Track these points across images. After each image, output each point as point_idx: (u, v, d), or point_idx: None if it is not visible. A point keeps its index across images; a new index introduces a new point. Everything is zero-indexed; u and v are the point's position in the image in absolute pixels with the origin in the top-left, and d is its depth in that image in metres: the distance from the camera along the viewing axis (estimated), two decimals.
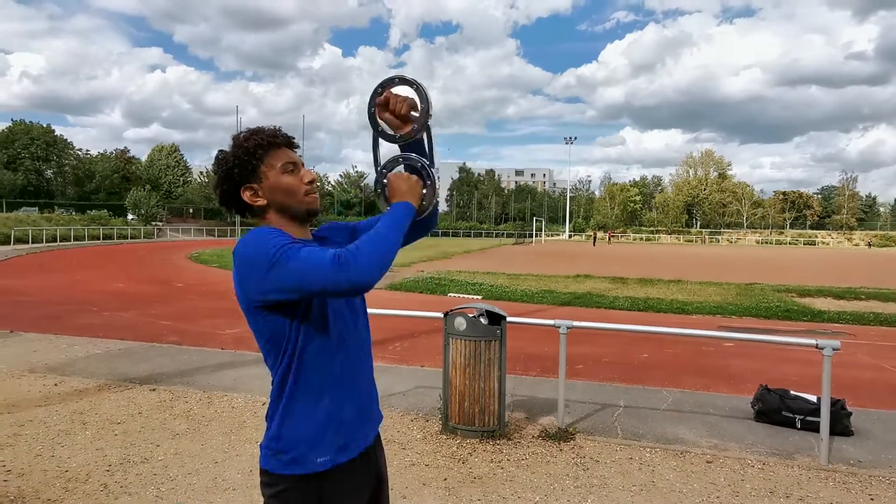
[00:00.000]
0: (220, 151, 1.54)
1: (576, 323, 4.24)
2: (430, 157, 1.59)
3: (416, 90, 1.55)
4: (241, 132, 1.55)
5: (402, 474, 3.50)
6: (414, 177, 1.52)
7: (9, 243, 29.23)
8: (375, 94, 1.57)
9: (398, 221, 1.44)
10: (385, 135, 1.59)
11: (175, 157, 66.53)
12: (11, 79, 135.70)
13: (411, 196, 1.50)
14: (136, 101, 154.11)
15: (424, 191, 1.54)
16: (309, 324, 1.43)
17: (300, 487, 1.42)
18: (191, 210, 58.52)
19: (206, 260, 21.74)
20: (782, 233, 78.35)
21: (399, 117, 1.55)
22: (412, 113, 1.55)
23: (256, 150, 1.49)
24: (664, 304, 11.21)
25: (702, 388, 5.60)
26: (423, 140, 1.59)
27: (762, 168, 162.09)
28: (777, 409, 4.46)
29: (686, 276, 17.93)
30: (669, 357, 7.04)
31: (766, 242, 71.25)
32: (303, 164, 1.57)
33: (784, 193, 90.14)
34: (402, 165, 1.57)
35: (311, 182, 1.54)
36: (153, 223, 49.34)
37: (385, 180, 1.54)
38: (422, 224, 1.64)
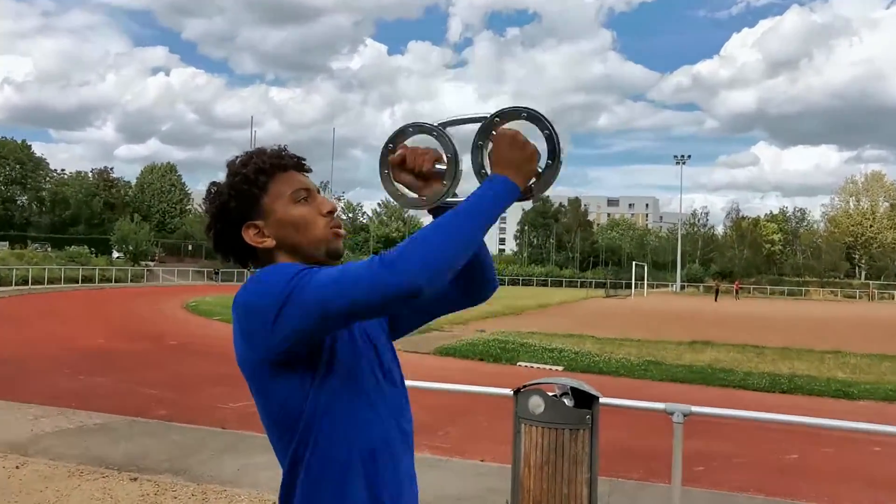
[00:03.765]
0: (213, 184, 1.58)
1: (695, 408, 4.10)
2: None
3: (437, 136, 1.56)
4: (238, 156, 1.58)
5: None
6: (532, 144, 1.45)
7: None
8: (386, 152, 1.59)
9: (486, 204, 1.36)
10: (409, 202, 1.60)
11: (171, 178, 69.82)
12: None
13: (518, 170, 1.41)
14: (132, 111, 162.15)
15: (541, 169, 1.48)
16: (330, 385, 1.43)
17: None
18: (189, 247, 61.12)
19: (207, 311, 22.48)
20: None
21: (422, 176, 1.56)
22: (437, 166, 1.55)
23: (258, 176, 1.52)
24: (818, 384, 10.82)
25: None
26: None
27: None
28: None
29: (848, 345, 17.13)
30: (827, 459, 6.75)
31: None
32: (319, 191, 1.59)
33: None
34: (523, 117, 1.49)
35: (331, 213, 1.55)
36: (142, 263, 51.70)
37: (491, 133, 1.49)
38: (471, 282, 1.62)
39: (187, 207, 70.07)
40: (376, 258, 1.27)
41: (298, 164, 1.59)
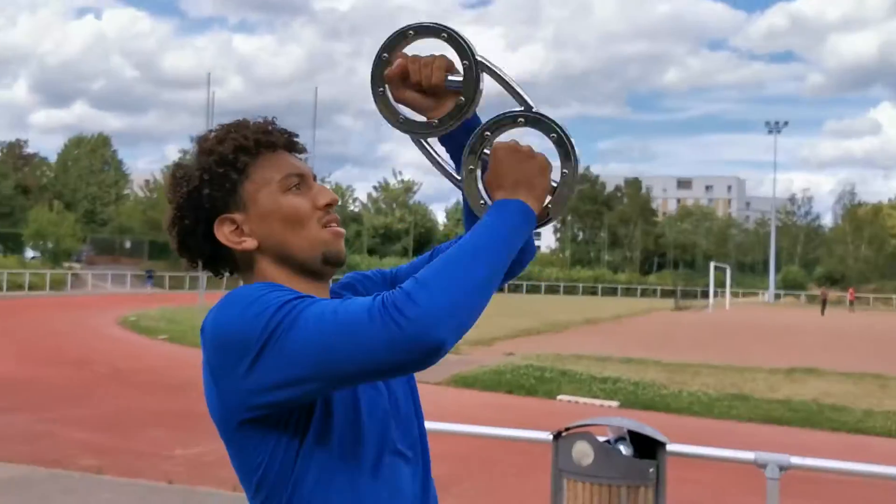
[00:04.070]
0: (178, 166, 1.58)
1: (795, 459, 4.06)
2: None
3: (448, 39, 1.56)
4: (212, 130, 1.59)
5: None
6: (540, 155, 1.47)
7: None
8: (380, 64, 1.59)
9: (500, 233, 1.38)
10: (415, 126, 1.61)
11: (103, 154, 70.32)
12: None
13: (530, 189, 1.44)
14: (52, 65, 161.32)
15: (556, 183, 1.49)
16: (324, 452, 1.43)
17: None
18: (127, 244, 61.63)
19: (150, 328, 22.63)
20: None
21: (431, 90, 1.56)
22: (450, 78, 1.55)
23: (238, 156, 1.52)
24: None
25: None
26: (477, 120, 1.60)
27: None
28: None
29: None
30: None
31: None
32: (315, 178, 1.60)
33: None
34: (520, 123, 1.52)
35: (329, 206, 1.56)
36: (65, 264, 52.08)
37: (485, 151, 1.52)
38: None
39: (125, 192, 70.61)
40: (378, 302, 1.27)
41: (290, 143, 1.59)
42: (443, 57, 1.55)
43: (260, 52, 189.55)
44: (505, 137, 1.51)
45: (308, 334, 1.29)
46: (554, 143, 1.47)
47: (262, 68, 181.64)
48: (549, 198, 1.48)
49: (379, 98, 1.60)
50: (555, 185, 1.48)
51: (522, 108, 1.51)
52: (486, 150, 1.50)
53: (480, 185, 1.51)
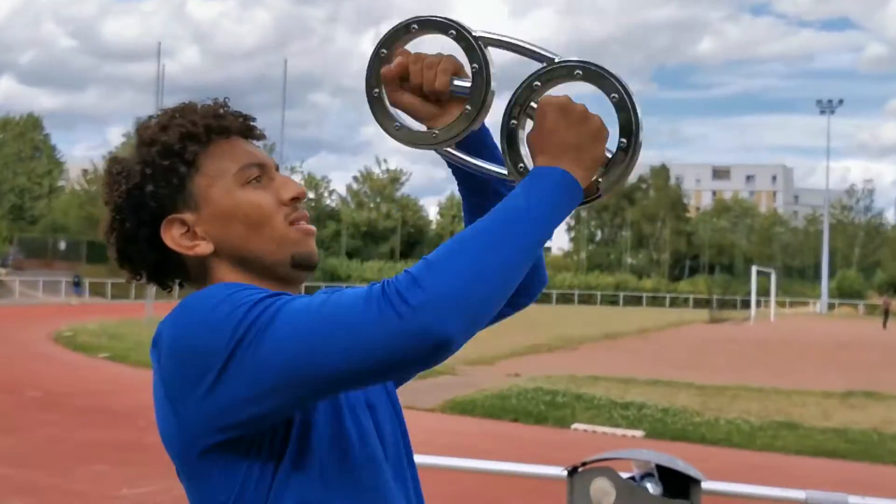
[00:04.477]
0: (114, 160, 1.59)
1: (853, 499, 4.07)
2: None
3: (456, 37, 1.56)
4: (154, 116, 1.60)
5: None
6: (596, 117, 1.44)
7: None
8: (377, 61, 1.60)
9: (534, 207, 1.35)
10: (414, 137, 1.61)
11: (33, 139, 70.24)
12: None
13: (578, 158, 1.41)
14: None
15: (611, 154, 1.46)
16: (302, 479, 1.42)
17: None
18: (62, 245, 61.52)
19: (88, 344, 22.67)
20: None
21: (434, 95, 1.56)
22: (456, 82, 1.55)
23: (186, 144, 1.53)
24: None
25: None
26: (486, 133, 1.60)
27: None
28: None
29: None
30: None
31: None
32: (277, 168, 1.61)
33: None
34: (577, 77, 1.48)
35: (296, 199, 1.56)
36: None
37: (532, 105, 1.50)
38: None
39: (59, 184, 70.48)
40: (375, 289, 1.26)
41: (246, 128, 1.60)
42: (450, 58, 1.55)
43: (220, 17, 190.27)
44: (557, 92, 1.48)
45: (288, 333, 1.28)
46: (614, 104, 1.44)
47: (221, 37, 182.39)
48: (600, 170, 1.46)
49: (374, 101, 1.61)
50: (610, 155, 1.46)
51: (581, 60, 1.48)
52: (532, 104, 1.48)
53: (523, 146, 1.50)
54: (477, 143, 1.61)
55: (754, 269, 59.38)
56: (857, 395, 16.37)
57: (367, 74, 1.60)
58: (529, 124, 1.48)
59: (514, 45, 1.55)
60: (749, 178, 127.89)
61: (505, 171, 1.55)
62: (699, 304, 66.36)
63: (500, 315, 1.67)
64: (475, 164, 1.60)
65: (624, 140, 1.44)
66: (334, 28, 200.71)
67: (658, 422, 12.56)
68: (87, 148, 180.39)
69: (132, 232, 1.54)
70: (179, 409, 1.38)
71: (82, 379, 16.75)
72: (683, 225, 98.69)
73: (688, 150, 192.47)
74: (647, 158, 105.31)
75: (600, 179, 1.46)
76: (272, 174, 1.57)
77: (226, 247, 1.52)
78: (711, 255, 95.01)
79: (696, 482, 3.97)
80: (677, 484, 3.98)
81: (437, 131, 1.57)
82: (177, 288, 1.68)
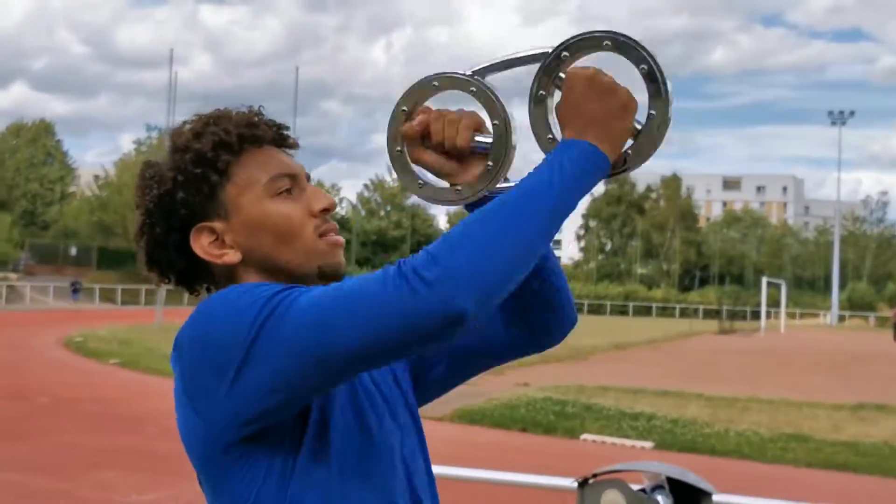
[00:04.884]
0: (148, 165, 1.59)
1: None
2: None
3: (476, 94, 1.57)
4: (188, 122, 1.60)
5: None
6: (624, 89, 1.43)
7: None
8: (399, 118, 1.60)
9: (561, 184, 1.35)
10: (438, 194, 1.62)
11: (46, 145, 70.45)
12: None
13: (606, 130, 1.41)
14: None
15: (640, 126, 1.45)
16: (320, 475, 1.42)
17: None
18: (73, 251, 61.65)
19: (99, 350, 22.64)
20: None
21: (455, 154, 1.57)
22: (478, 139, 1.56)
23: (218, 153, 1.53)
24: None
25: None
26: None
27: None
28: None
29: None
30: None
31: None
32: (309, 178, 1.62)
33: None
34: (606, 47, 1.47)
35: (326, 211, 1.57)
36: (0, 275, 52.10)
37: (560, 76, 1.48)
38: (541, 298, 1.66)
39: (71, 190, 70.64)
40: (391, 268, 1.27)
41: (279, 136, 1.61)
42: (473, 114, 1.56)
43: (232, 25, 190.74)
44: (585, 63, 1.47)
45: (306, 314, 1.30)
46: (643, 76, 1.44)
47: (233, 45, 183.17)
48: (629, 142, 1.46)
49: (395, 158, 1.62)
50: (639, 127, 1.45)
51: (609, 30, 1.47)
52: (561, 75, 1.47)
53: (552, 117, 1.49)
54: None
55: (764, 280, 59.31)
56: (869, 408, 16.35)
57: (388, 132, 1.61)
58: (558, 95, 1.47)
59: (511, 60, 1.56)
60: (760, 188, 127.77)
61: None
62: (709, 314, 66.09)
63: (525, 352, 1.75)
64: (497, 190, 1.60)
65: (653, 112, 1.44)
66: (346, 36, 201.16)
67: (667, 433, 12.56)
68: (99, 154, 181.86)
69: (161, 237, 1.55)
70: (202, 408, 1.39)
71: (92, 385, 16.78)
72: (694, 235, 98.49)
73: (698, 161, 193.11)
74: (657, 168, 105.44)
75: (629, 152, 1.46)
76: (303, 184, 1.58)
77: (254, 256, 1.53)
78: (721, 266, 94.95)
79: (707, 495, 3.95)
80: (688, 496, 3.96)
81: (460, 187, 1.58)
82: (188, 295, 1.68)
